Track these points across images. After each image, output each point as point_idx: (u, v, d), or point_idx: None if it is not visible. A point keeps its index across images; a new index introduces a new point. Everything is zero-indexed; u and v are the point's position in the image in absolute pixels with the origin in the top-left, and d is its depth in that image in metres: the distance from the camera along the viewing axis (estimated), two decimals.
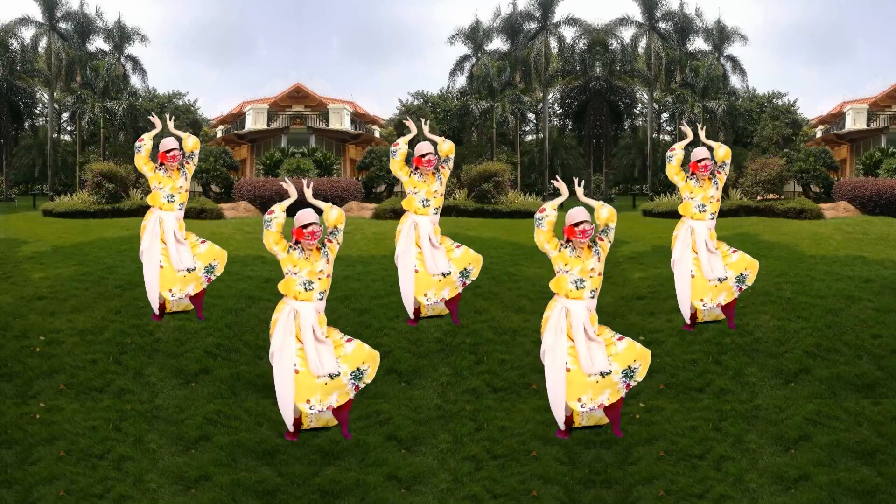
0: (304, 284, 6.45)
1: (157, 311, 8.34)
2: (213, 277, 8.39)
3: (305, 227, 6.40)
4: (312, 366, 6.34)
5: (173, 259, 8.14)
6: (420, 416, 7.13)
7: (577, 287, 6.39)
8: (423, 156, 8.28)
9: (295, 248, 6.46)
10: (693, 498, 6.10)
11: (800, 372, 7.73)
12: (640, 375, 6.48)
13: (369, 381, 6.58)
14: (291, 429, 6.55)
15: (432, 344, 8.28)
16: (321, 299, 6.51)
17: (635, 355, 6.42)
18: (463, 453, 6.62)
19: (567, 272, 6.40)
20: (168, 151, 8.26)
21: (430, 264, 8.15)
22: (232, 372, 7.74)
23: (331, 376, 6.39)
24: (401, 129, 23.22)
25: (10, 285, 10.08)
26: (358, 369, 6.48)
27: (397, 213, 17.50)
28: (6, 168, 24.46)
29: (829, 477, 6.19)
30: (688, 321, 8.27)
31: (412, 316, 8.43)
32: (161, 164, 8.28)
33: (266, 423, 6.97)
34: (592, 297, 6.43)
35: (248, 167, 26.88)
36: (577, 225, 6.33)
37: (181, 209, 8.34)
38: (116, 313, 8.89)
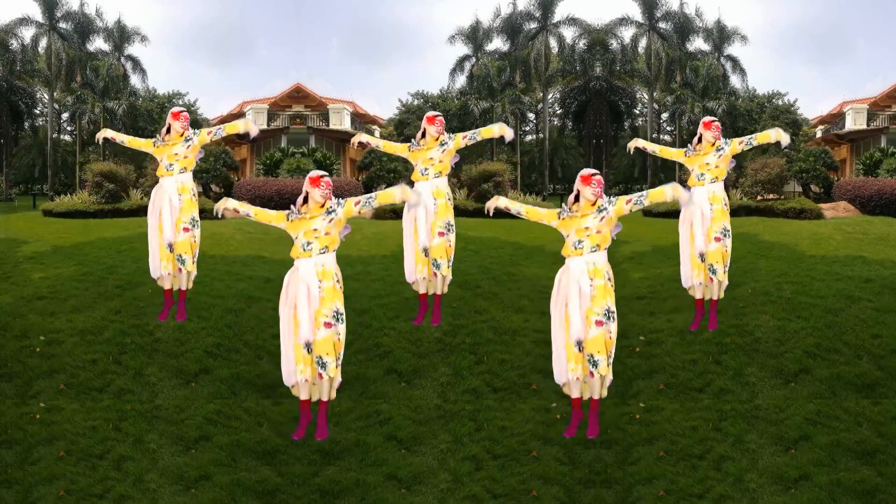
0: (303, 245, 6.48)
1: (165, 284, 8.30)
2: (181, 268, 8.25)
3: (322, 176, 6.50)
4: (302, 329, 6.39)
5: (165, 232, 8.14)
6: (420, 416, 7.13)
7: (575, 247, 6.45)
8: (437, 116, 8.33)
9: (292, 214, 6.52)
10: (693, 498, 6.09)
11: (800, 372, 7.73)
12: (602, 370, 6.45)
13: (332, 375, 6.52)
14: (302, 396, 6.57)
15: (432, 344, 8.29)
16: (323, 254, 6.46)
17: (598, 347, 6.41)
18: (463, 453, 6.62)
19: (567, 236, 6.50)
20: (181, 112, 8.32)
21: (421, 231, 8.15)
22: (232, 372, 7.74)
23: (307, 347, 6.44)
24: (401, 129, 23.27)
25: (10, 285, 10.08)
26: (320, 357, 6.47)
27: (398, 213, 17.48)
28: (6, 168, 24.46)
29: (829, 477, 6.19)
30: (693, 292, 8.26)
31: (410, 282, 8.43)
32: (168, 129, 8.23)
33: (266, 423, 6.97)
34: (594, 252, 6.42)
35: (248, 167, 26.88)
36: (593, 175, 6.47)
37: (182, 173, 8.25)
38: (116, 313, 8.89)
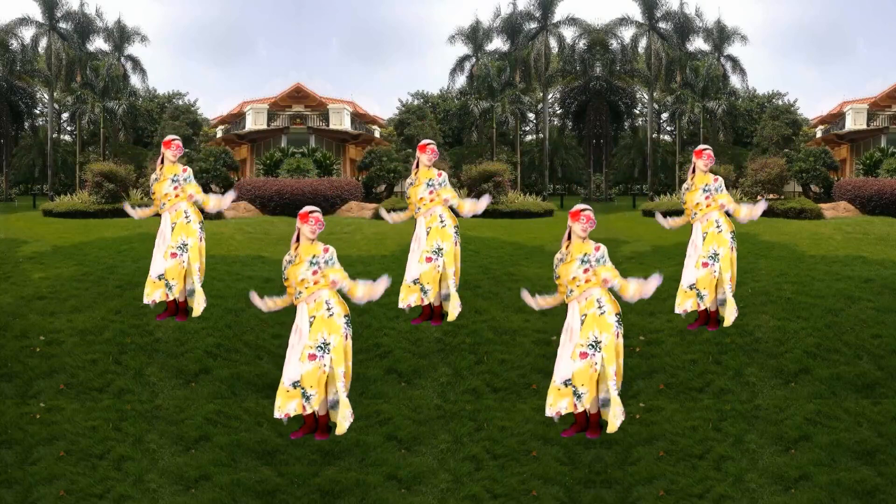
0: (296, 296, 6.42)
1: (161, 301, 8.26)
2: (184, 260, 8.14)
3: (311, 212, 6.45)
4: (290, 367, 6.29)
5: (155, 263, 8.08)
6: (420, 416, 7.13)
7: (567, 296, 6.41)
8: (428, 144, 8.31)
9: (287, 264, 6.45)
10: (693, 498, 6.09)
11: (800, 372, 7.73)
12: (587, 402, 6.33)
13: (315, 407, 6.40)
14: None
15: (432, 344, 8.28)
16: (314, 295, 6.39)
17: (582, 379, 6.28)
18: (463, 453, 6.62)
19: (558, 279, 6.46)
20: (173, 140, 8.27)
21: (412, 263, 8.12)
22: (232, 372, 7.73)
23: (292, 384, 6.33)
24: (401, 129, 23.25)
25: (10, 285, 10.08)
26: (304, 390, 6.30)
27: (398, 212, 17.46)
28: (6, 168, 24.46)
29: (829, 477, 6.19)
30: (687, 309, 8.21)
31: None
32: (161, 159, 8.22)
33: (266, 423, 6.97)
34: (588, 292, 6.38)
35: (248, 167, 26.87)
36: (582, 211, 6.39)
37: (174, 208, 8.12)
38: (116, 313, 8.89)
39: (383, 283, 6.67)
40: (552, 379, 6.33)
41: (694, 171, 8.09)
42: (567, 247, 6.44)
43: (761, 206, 8.04)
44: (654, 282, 6.62)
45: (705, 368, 7.77)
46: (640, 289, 6.55)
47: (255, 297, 6.57)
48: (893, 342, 8.24)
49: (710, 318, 8.22)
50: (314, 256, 6.40)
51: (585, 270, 6.35)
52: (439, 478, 6.34)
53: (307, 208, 6.52)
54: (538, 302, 6.59)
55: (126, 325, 8.54)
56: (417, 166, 8.29)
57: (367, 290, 6.59)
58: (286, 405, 6.32)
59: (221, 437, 6.73)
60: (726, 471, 6.36)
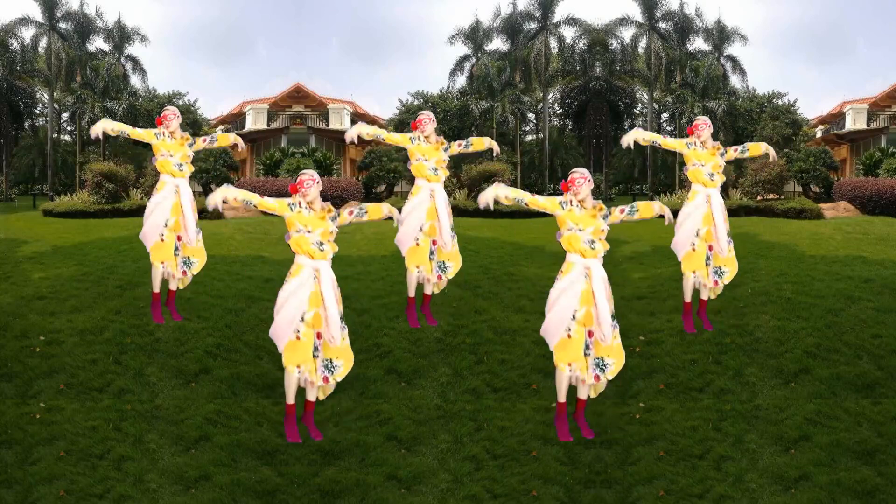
0: (318, 244, 6.44)
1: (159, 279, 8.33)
2: (187, 272, 8.31)
3: (297, 178, 6.50)
4: (333, 329, 6.38)
5: (189, 232, 8.20)
6: (420, 416, 7.13)
7: (591, 247, 6.39)
8: (419, 117, 8.27)
9: (300, 207, 6.46)
10: (693, 498, 6.10)
11: (800, 372, 7.73)
12: (611, 374, 6.56)
13: (339, 379, 6.58)
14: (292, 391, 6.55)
15: (432, 344, 8.29)
16: (330, 259, 6.52)
17: (611, 351, 6.49)
18: (463, 453, 6.62)
19: (580, 231, 6.40)
20: (163, 112, 8.37)
21: (446, 236, 8.14)
22: (232, 372, 7.74)
23: (316, 349, 6.47)
24: (401, 130, 23.26)
25: (10, 285, 10.08)
26: (330, 360, 6.51)
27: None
28: (6, 168, 24.47)
29: (829, 477, 6.19)
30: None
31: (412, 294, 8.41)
32: (165, 132, 8.25)
33: (266, 423, 6.97)
34: (601, 256, 6.47)
35: (248, 167, 26.89)
36: (567, 179, 6.43)
37: (188, 176, 8.37)
38: (116, 313, 8.89)
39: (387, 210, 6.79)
40: (573, 348, 6.40)
41: (698, 141, 8.06)
42: (581, 204, 6.42)
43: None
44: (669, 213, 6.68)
45: (705, 368, 7.77)
46: (662, 209, 6.55)
47: (219, 196, 6.50)
48: (893, 342, 8.25)
49: (700, 310, 8.25)
50: (330, 212, 6.53)
51: (606, 224, 6.45)
52: (439, 478, 6.34)
53: (297, 175, 6.55)
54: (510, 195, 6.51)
55: (126, 325, 8.54)
56: (425, 140, 8.24)
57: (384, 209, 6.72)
58: (312, 372, 6.43)
59: (221, 437, 6.73)
60: (726, 471, 6.36)
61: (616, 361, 6.56)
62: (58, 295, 9.56)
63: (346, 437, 6.77)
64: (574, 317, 6.42)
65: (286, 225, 6.56)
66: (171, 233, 8.21)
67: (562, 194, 6.51)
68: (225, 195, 6.50)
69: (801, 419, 6.96)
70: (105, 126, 8.34)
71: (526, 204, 6.53)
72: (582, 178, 6.44)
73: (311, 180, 6.51)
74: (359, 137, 8.31)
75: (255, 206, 6.56)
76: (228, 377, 7.65)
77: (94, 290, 9.74)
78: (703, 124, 8.07)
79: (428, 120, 8.26)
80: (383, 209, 6.72)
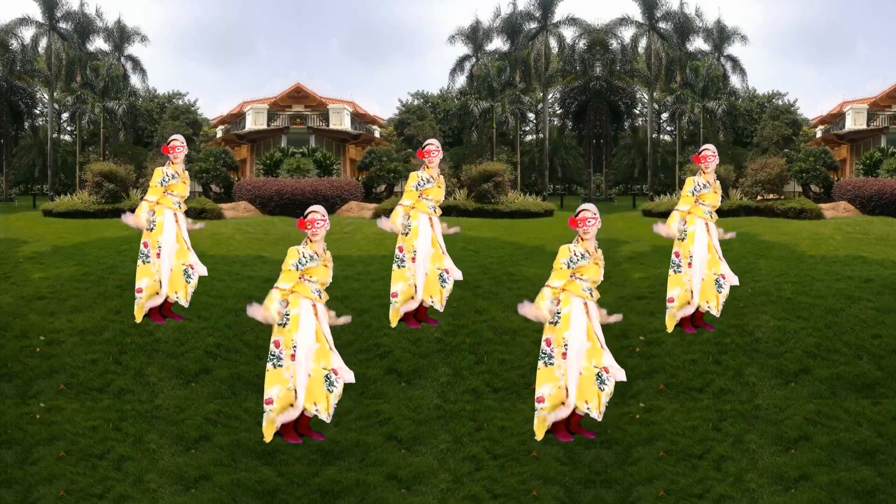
0: (316, 292, 6.51)
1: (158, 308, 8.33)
2: (190, 282, 8.34)
3: (306, 216, 6.48)
4: (344, 373, 6.43)
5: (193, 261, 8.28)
6: (420, 416, 7.13)
7: (590, 294, 6.51)
8: (425, 147, 8.30)
9: (305, 261, 6.45)
10: (693, 498, 6.10)
11: (800, 372, 7.73)
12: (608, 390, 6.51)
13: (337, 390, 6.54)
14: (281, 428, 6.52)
15: (432, 344, 8.28)
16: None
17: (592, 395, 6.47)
18: (463, 453, 6.62)
19: (581, 279, 6.48)
20: (170, 142, 8.32)
21: (446, 262, 8.25)
22: (232, 372, 7.74)
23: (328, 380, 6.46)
24: (401, 129, 23.25)
25: (10, 285, 10.08)
26: (328, 376, 6.47)
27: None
28: (6, 168, 24.46)
29: (829, 477, 6.19)
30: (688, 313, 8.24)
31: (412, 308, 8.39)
32: (171, 174, 8.23)
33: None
34: (593, 305, 6.58)
35: (248, 167, 26.87)
36: (577, 214, 6.49)
37: (183, 214, 8.45)
38: (116, 313, 8.89)
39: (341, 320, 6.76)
40: (554, 384, 6.41)
41: (704, 174, 8.08)
42: (587, 249, 6.48)
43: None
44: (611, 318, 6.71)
45: (705, 368, 7.77)
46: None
47: (256, 310, 6.47)
48: (893, 342, 8.24)
49: (695, 316, 8.26)
50: (326, 263, 6.56)
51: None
52: (439, 478, 6.34)
53: (308, 211, 6.53)
54: (549, 308, 6.49)
55: (126, 325, 8.54)
56: (427, 168, 8.27)
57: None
58: (321, 402, 6.42)
59: (221, 437, 6.73)
60: (726, 471, 6.36)
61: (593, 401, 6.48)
62: (58, 295, 9.55)
63: (346, 437, 6.77)
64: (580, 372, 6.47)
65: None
66: (177, 262, 8.19)
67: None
68: (266, 316, 6.50)
69: (801, 419, 6.96)
70: (139, 222, 8.30)
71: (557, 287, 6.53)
72: (593, 218, 6.50)
73: (321, 220, 6.50)
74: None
75: (289, 291, 6.51)
76: (228, 377, 7.65)
77: (94, 290, 9.73)
78: (712, 155, 8.05)
79: (436, 151, 8.22)
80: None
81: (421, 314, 8.43)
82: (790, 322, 8.67)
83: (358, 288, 9.93)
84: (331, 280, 6.58)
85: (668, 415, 7.06)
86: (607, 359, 6.47)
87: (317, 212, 6.51)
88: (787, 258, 11.99)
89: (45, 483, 6.13)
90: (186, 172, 8.49)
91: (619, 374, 6.46)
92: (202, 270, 8.40)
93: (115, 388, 7.42)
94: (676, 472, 6.34)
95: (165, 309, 8.47)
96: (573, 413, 6.59)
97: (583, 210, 6.51)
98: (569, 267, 6.46)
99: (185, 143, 8.40)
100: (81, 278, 10.32)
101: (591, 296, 6.51)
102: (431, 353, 8.11)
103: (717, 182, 8.19)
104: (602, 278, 6.57)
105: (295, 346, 6.37)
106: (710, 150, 8.11)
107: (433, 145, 8.27)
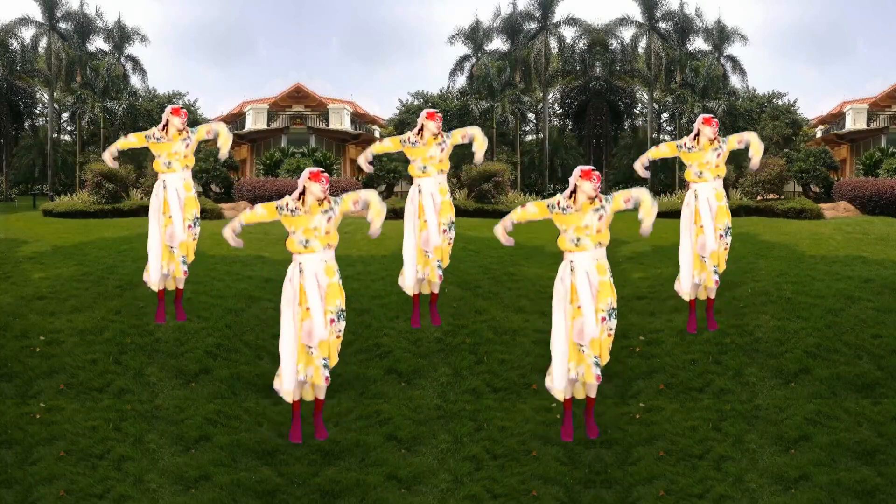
0: (302, 242, 6.48)
1: (156, 287, 8.28)
2: (182, 267, 8.21)
3: (322, 171, 6.55)
4: (316, 327, 6.35)
5: (173, 229, 8.15)
6: (420, 416, 7.13)
7: (575, 244, 6.41)
8: (437, 112, 8.32)
9: (286, 208, 6.54)
10: (693, 498, 6.10)
11: (800, 372, 7.73)
12: (602, 362, 6.45)
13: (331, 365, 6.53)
14: (290, 399, 6.51)
15: (432, 344, 8.28)
16: (325, 250, 6.47)
17: (597, 346, 6.37)
18: (463, 453, 6.62)
19: (564, 231, 6.47)
20: (182, 108, 8.32)
21: (432, 228, 8.11)
22: (232, 372, 7.74)
23: (310, 347, 6.42)
24: (401, 129, 23.26)
25: (10, 285, 10.08)
26: (325, 358, 6.44)
27: (398, 213, 17.40)
28: (6, 168, 24.46)
29: (829, 477, 6.19)
30: (686, 296, 8.22)
31: (411, 291, 8.35)
32: (165, 126, 8.19)
33: (266, 423, 6.98)
34: (598, 248, 6.42)
35: (248, 167, 26.89)
36: (593, 170, 6.48)
37: (185, 170, 8.24)
38: (116, 313, 8.89)
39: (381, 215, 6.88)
40: (569, 337, 6.37)
41: (698, 138, 8.06)
42: (574, 200, 6.45)
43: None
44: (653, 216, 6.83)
45: (705, 368, 7.77)
46: (650, 210, 6.77)
47: (227, 232, 6.86)
48: (893, 342, 8.24)
49: (707, 309, 8.24)
50: (325, 209, 6.52)
51: (600, 218, 6.43)
52: (439, 478, 6.34)
53: (317, 168, 6.61)
54: (503, 225, 6.85)
55: (126, 325, 8.54)
56: (421, 132, 8.26)
57: (379, 208, 6.82)
58: (306, 369, 6.42)
59: (221, 437, 6.73)
60: (726, 471, 6.36)
61: (600, 357, 6.39)
62: (58, 295, 9.56)
63: (346, 437, 6.77)
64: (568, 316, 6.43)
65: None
66: (165, 229, 8.17)
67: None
68: (226, 231, 6.89)
69: (801, 419, 6.96)
70: (107, 156, 8.60)
71: (516, 221, 6.88)
72: (600, 180, 6.52)
73: (328, 182, 6.56)
74: (367, 161, 8.49)
75: (244, 223, 6.81)
76: (228, 377, 7.65)
77: (94, 290, 9.73)
78: (716, 124, 8.07)
79: (438, 118, 8.31)
80: (380, 207, 6.82)
81: (432, 301, 8.44)
82: (790, 322, 8.67)
83: (358, 288, 9.93)
84: (318, 229, 6.45)
85: (668, 415, 7.06)
86: (588, 327, 6.31)
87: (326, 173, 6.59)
88: (787, 258, 11.99)
89: (45, 483, 6.13)
90: (185, 130, 8.28)
91: (589, 333, 6.31)
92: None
93: (115, 388, 7.42)
94: (676, 472, 6.34)
95: (177, 300, 8.46)
96: (587, 399, 6.60)
97: (595, 168, 6.52)
98: (549, 210, 6.52)
99: (181, 115, 8.31)
100: (81, 278, 10.32)
101: (578, 245, 6.37)
102: (431, 353, 8.12)
103: (719, 143, 8.05)
104: (588, 230, 6.39)
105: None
106: (710, 116, 8.20)
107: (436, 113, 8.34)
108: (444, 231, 8.20)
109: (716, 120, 8.14)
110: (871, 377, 7.61)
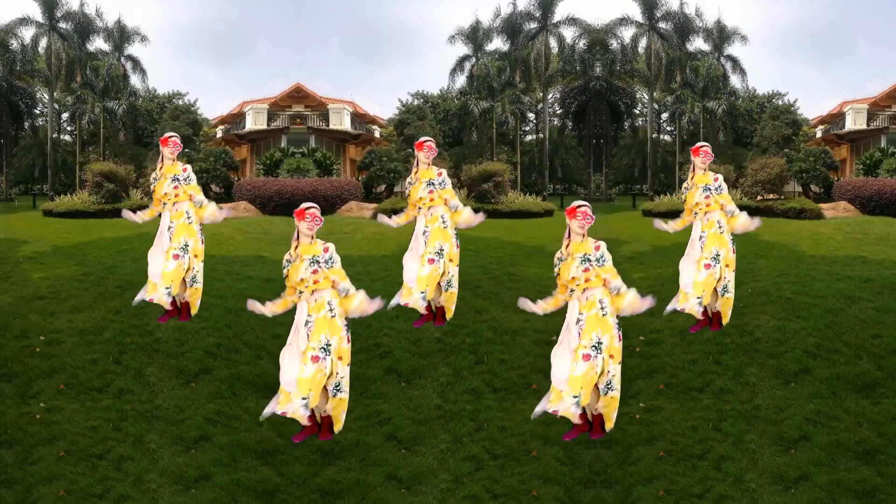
0: (297, 293, 6.38)
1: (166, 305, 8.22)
2: (185, 263, 8.03)
3: (308, 208, 6.37)
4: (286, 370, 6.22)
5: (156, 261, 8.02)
6: (420, 416, 7.13)
7: (569, 295, 6.37)
8: (425, 142, 8.24)
9: (287, 264, 6.41)
10: (693, 498, 6.09)
11: (800, 372, 7.73)
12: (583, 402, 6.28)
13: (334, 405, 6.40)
14: (308, 423, 6.42)
15: (432, 344, 8.28)
16: (315, 292, 6.31)
17: (581, 383, 6.16)
18: (463, 453, 6.62)
19: (563, 281, 6.43)
20: (170, 137, 8.15)
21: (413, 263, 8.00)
22: (232, 372, 7.73)
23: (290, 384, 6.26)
24: (401, 129, 23.25)
25: (10, 285, 10.08)
26: (304, 396, 6.24)
27: (398, 213, 17.42)
28: (6, 168, 24.46)
29: (829, 477, 6.19)
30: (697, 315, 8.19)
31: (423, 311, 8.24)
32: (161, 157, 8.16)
33: (266, 423, 6.97)
34: (586, 291, 6.29)
35: (248, 167, 26.88)
36: (578, 207, 6.34)
37: (177, 204, 8.02)
38: (116, 313, 8.89)
39: (377, 304, 6.50)
40: (552, 377, 6.33)
41: (693, 170, 8.09)
42: (567, 246, 6.38)
43: (756, 222, 8.10)
44: (648, 303, 6.45)
45: (705, 368, 7.77)
46: (633, 304, 6.38)
47: (255, 305, 6.46)
48: (893, 342, 8.24)
49: (711, 318, 8.21)
50: (314, 256, 6.31)
51: (586, 270, 6.26)
52: (439, 478, 6.34)
53: (304, 205, 6.42)
54: (541, 307, 6.54)
55: (126, 325, 8.54)
56: (417, 165, 8.27)
57: (361, 305, 6.41)
58: (285, 405, 6.30)
59: (221, 437, 6.73)
60: (726, 471, 6.36)
61: (585, 395, 6.20)
62: (58, 295, 9.55)
63: (346, 437, 6.77)
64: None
65: None
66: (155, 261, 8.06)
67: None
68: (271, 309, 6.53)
69: (801, 419, 6.96)
70: (129, 216, 8.23)
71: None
72: (591, 217, 6.35)
73: (320, 220, 6.40)
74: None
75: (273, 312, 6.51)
76: (228, 377, 7.65)
77: (94, 290, 9.73)
78: (705, 153, 8.03)
79: (427, 147, 8.18)
80: (358, 305, 6.47)
81: (438, 314, 8.37)
82: (790, 322, 8.67)
83: (358, 288, 9.92)
84: (304, 281, 6.28)
85: (668, 415, 7.06)
86: (575, 367, 6.15)
87: (315, 207, 6.44)
88: (787, 258, 11.99)
89: (45, 483, 6.13)
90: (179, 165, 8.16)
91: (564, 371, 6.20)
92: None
93: (115, 388, 7.42)
94: (676, 472, 6.34)
95: (183, 310, 8.39)
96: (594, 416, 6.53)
97: (583, 205, 6.39)
98: (557, 275, 6.43)
99: (178, 145, 8.19)
100: (81, 278, 10.32)
101: (571, 294, 6.31)
102: (431, 353, 8.11)
103: (702, 175, 8.01)
104: (576, 281, 6.28)
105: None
106: (706, 146, 8.15)
107: (430, 142, 8.25)
108: (430, 261, 7.97)
109: (704, 148, 8.05)
110: (871, 377, 7.61)
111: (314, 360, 6.19)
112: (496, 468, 6.42)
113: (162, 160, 8.12)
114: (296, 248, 6.40)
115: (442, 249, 8.07)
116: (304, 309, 6.34)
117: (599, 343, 6.20)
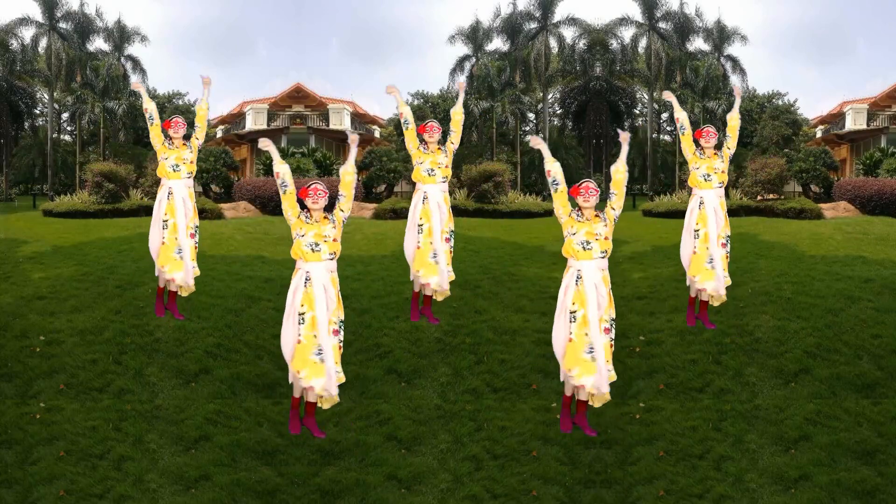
0: (311, 246, 6.57)
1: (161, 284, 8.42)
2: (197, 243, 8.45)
3: (309, 185, 6.69)
4: (321, 336, 6.46)
5: (179, 236, 8.27)
6: (420, 416, 7.13)
7: (583, 248, 6.52)
8: (427, 123, 8.44)
9: (303, 215, 6.66)
10: (693, 498, 6.10)
11: (800, 372, 7.73)
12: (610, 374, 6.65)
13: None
14: (297, 394, 6.65)
15: (432, 344, 8.29)
16: (331, 259, 6.62)
17: (606, 354, 6.53)
18: (463, 453, 6.62)
19: (573, 234, 6.55)
20: (172, 118, 8.57)
21: (436, 234, 8.24)
22: (232, 372, 7.74)
23: (319, 353, 6.50)
24: (400, 129, 23.26)
25: (10, 285, 10.08)
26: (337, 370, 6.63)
27: (398, 213, 17.48)
28: (6, 168, 24.47)
29: (829, 477, 6.19)
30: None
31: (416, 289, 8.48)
32: (167, 136, 8.46)
33: (266, 423, 6.98)
34: (603, 257, 6.56)
35: (248, 167, 26.90)
36: (580, 184, 6.65)
37: (189, 177, 8.43)
38: (116, 313, 8.89)
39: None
40: (573, 351, 6.46)
41: (703, 152, 8.23)
42: (582, 212, 6.60)
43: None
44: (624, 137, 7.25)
45: (705, 368, 7.77)
46: (617, 167, 6.96)
47: (267, 143, 7.11)
48: (893, 342, 8.25)
49: (700, 309, 8.32)
50: (328, 217, 6.71)
51: (605, 226, 6.60)
52: (439, 478, 6.35)
53: (307, 182, 6.75)
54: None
55: (126, 325, 8.54)
56: (423, 143, 8.41)
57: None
58: (312, 377, 6.48)
59: (221, 437, 6.73)
60: (726, 471, 6.36)
61: (606, 365, 6.57)
62: (58, 295, 9.55)
63: (346, 437, 6.77)
64: (573, 319, 6.49)
65: (291, 231, 6.71)
66: (171, 235, 8.27)
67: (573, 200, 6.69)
68: (276, 163, 6.98)
69: (801, 419, 6.96)
70: (144, 96, 9.08)
71: (555, 189, 6.73)
72: (594, 190, 6.68)
73: (324, 192, 6.72)
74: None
75: (286, 190, 6.75)
76: (228, 377, 7.65)
77: (94, 290, 9.73)
78: (707, 132, 8.30)
79: (430, 128, 8.43)
80: (346, 167, 7.01)
81: (426, 304, 8.57)
82: (790, 322, 8.67)
83: (358, 288, 9.94)
84: (329, 236, 6.62)
85: (668, 415, 7.06)
86: (592, 334, 6.48)
87: (319, 183, 6.76)
88: (787, 258, 12.00)
89: (45, 483, 6.13)
90: (185, 142, 8.58)
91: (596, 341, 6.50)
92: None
93: (115, 388, 7.42)
94: (676, 472, 6.34)
95: (171, 302, 8.56)
96: (577, 402, 6.70)
97: (586, 181, 6.70)
98: (569, 215, 6.61)
99: (184, 125, 8.63)
100: (81, 278, 10.32)
101: (587, 250, 6.50)
102: (431, 353, 8.12)
103: (712, 156, 8.27)
104: (602, 231, 6.55)
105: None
106: (710, 127, 8.43)
107: (434, 123, 8.48)
108: (447, 240, 8.36)
109: (706, 129, 8.32)
110: (871, 377, 7.61)
111: (335, 334, 6.58)
112: (496, 468, 6.43)
113: (171, 142, 8.48)
114: (310, 215, 6.65)
115: (453, 230, 8.48)
116: (326, 277, 6.53)
117: (614, 320, 6.62)
